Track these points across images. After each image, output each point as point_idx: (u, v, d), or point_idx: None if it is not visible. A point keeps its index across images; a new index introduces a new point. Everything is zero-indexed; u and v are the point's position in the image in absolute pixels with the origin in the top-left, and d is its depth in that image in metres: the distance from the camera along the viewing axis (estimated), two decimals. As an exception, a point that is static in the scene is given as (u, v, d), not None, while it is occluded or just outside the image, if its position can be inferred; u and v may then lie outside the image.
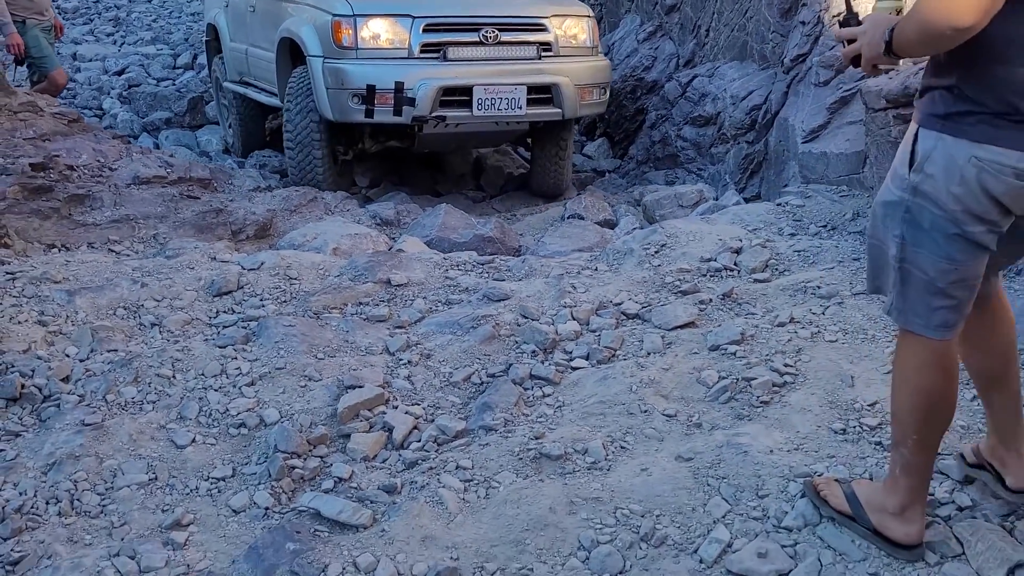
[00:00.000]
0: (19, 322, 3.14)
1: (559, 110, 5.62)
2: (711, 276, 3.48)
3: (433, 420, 2.64)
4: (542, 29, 5.68)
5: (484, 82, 5.37)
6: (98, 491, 2.37)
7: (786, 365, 2.75)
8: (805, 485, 2.14)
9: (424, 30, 5.39)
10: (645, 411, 2.59)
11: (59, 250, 4.09)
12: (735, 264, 3.54)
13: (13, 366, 2.86)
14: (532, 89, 5.50)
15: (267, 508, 2.31)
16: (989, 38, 1.60)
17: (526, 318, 3.18)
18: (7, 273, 3.49)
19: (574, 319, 3.16)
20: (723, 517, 2.13)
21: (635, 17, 7.91)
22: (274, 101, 6.25)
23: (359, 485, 2.37)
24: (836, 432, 2.43)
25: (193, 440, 2.57)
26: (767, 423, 2.49)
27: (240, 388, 2.81)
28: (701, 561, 2.01)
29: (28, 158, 4.51)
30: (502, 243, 4.63)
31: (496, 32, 5.50)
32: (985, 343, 1.98)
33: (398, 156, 6.40)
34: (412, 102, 5.24)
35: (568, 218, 5.27)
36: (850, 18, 1.87)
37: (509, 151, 7.22)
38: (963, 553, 1.94)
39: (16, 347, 2.98)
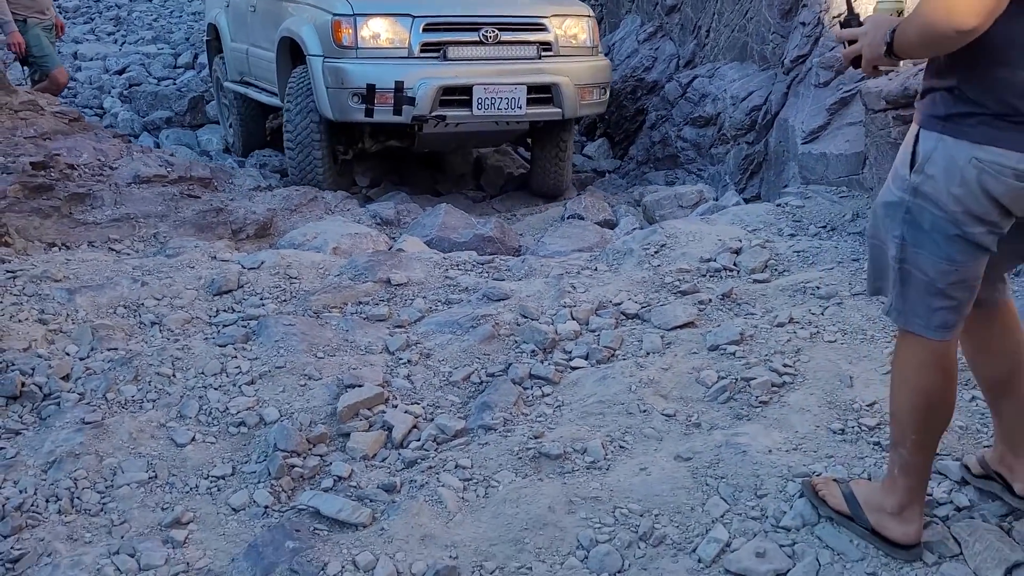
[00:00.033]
0: (20, 320, 3.14)
1: (559, 110, 5.63)
2: (711, 276, 3.48)
3: (432, 419, 2.65)
4: (542, 29, 5.68)
5: (484, 82, 5.37)
6: (98, 489, 2.38)
7: (785, 365, 2.76)
8: (803, 485, 2.15)
9: (424, 29, 5.40)
10: (644, 411, 2.59)
11: (59, 249, 4.09)
12: (735, 264, 3.55)
13: (13, 364, 2.87)
14: (532, 89, 5.50)
15: (267, 506, 2.31)
16: (991, 40, 1.60)
17: (526, 318, 3.19)
18: (8, 271, 3.49)
19: (574, 319, 3.16)
20: (721, 517, 2.13)
21: (635, 18, 7.91)
22: (275, 101, 6.26)
23: (358, 484, 2.38)
24: (835, 432, 2.43)
25: (193, 438, 2.58)
26: (766, 423, 2.49)
27: (240, 387, 2.81)
28: (699, 560, 2.01)
29: (29, 157, 4.52)
30: (502, 243, 4.64)
31: (496, 32, 5.50)
32: (994, 349, 1.98)
33: (398, 156, 6.40)
34: (412, 101, 5.24)
35: (568, 218, 5.28)
36: (851, 19, 1.88)
37: (509, 151, 7.23)
38: (961, 553, 1.94)
39: (16, 345, 2.99)
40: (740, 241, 3.71)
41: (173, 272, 3.61)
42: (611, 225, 5.20)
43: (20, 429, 2.64)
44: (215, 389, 2.81)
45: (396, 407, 2.70)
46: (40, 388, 2.79)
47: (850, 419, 2.48)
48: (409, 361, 2.97)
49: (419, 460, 2.46)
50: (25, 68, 6.61)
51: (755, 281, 3.40)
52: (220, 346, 3.04)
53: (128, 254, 4.14)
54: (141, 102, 8.36)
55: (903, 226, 1.77)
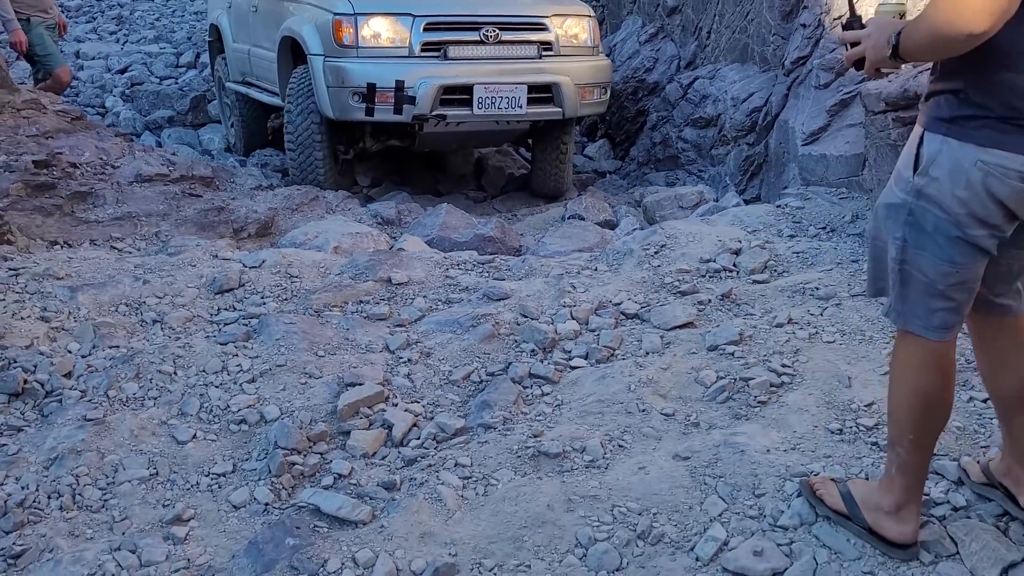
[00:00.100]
0: (22, 318, 3.16)
1: (559, 109, 5.64)
2: (710, 277, 3.49)
3: (432, 418, 2.66)
4: (543, 28, 5.69)
5: (484, 81, 5.38)
6: (99, 486, 2.39)
7: (784, 366, 2.77)
8: (801, 484, 2.16)
9: (425, 29, 5.41)
10: (643, 410, 2.61)
11: (62, 247, 4.10)
12: (734, 265, 3.56)
13: (16, 361, 2.88)
14: (532, 88, 5.51)
15: (267, 504, 2.32)
16: (997, 44, 1.60)
17: (526, 317, 3.20)
18: (10, 269, 3.51)
19: (573, 319, 3.17)
20: (720, 516, 2.14)
21: (637, 19, 7.92)
22: (276, 101, 6.27)
23: (358, 482, 2.39)
24: (833, 432, 2.44)
25: (194, 436, 2.59)
26: (764, 423, 2.50)
27: (241, 385, 2.83)
28: (697, 559, 2.02)
29: (31, 155, 4.53)
30: (502, 243, 4.65)
31: (497, 31, 5.51)
32: (1011, 364, 1.95)
33: (399, 156, 6.41)
34: (412, 100, 5.25)
35: (568, 218, 5.29)
36: (853, 21, 1.88)
37: (510, 152, 7.24)
38: (957, 553, 1.95)
39: (19, 343, 3.00)
40: (740, 242, 3.72)
41: (174, 270, 3.62)
42: (611, 225, 5.21)
43: (22, 426, 2.65)
44: (216, 387, 2.82)
45: (396, 405, 2.71)
46: (42, 385, 2.80)
47: (848, 419, 2.49)
48: (409, 360, 2.98)
49: (419, 458, 2.47)
50: (24, 66, 6.62)
51: (754, 282, 3.41)
52: (221, 344, 3.05)
53: (130, 252, 4.15)
54: (143, 101, 8.38)
55: (905, 228, 1.78)
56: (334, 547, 2.09)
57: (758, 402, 2.62)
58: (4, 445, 2.55)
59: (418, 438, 2.56)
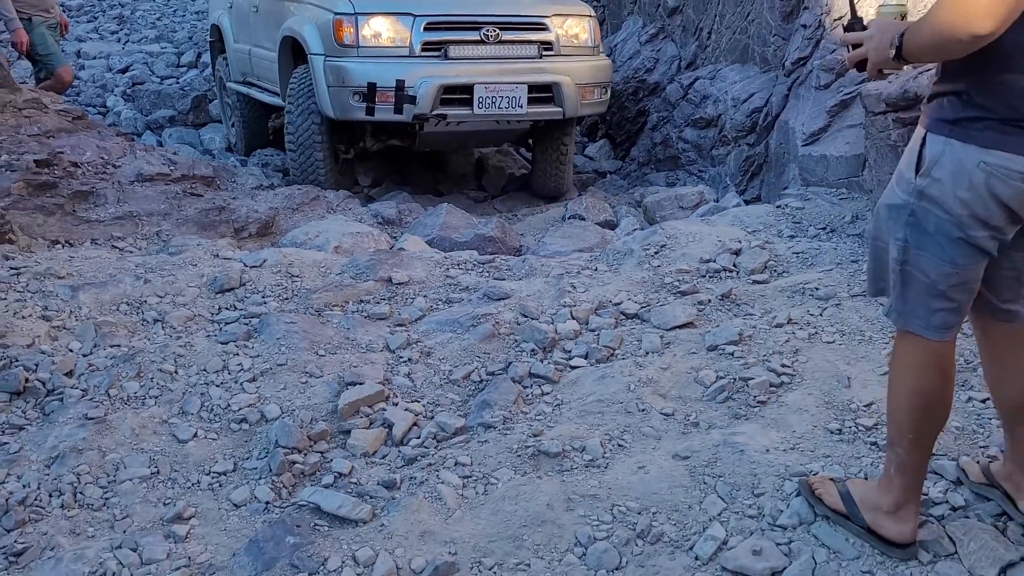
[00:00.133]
0: (23, 317, 3.16)
1: (560, 109, 5.64)
2: (710, 277, 3.50)
3: (433, 417, 2.66)
4: (543, 28, 5.69)
5: (485, 80, 5.39)
6: (100, 484, 2.39)
7: (783, 366, 2.77)
8: (800, 484, 2.16)
9: (425, 28, 5.41)
10: (643, 410, 2.61)
11: (63, 246, 4.11)
12: (734, 265, 3.57)
13: (17, 360, 2.89)
14: (533, 88, 5.52)
15: (268, 502, 2.33)
16: (1001, 45, 1.61)
17: (526, 317, 3.21)
18: (12, 268, 3.51)
19: (573, 318, 3.18)
20: (719, 515, 2.14)
21: (637, 19, 7.93)
22: (277, 101, 6.28)
23: (359, 480, 2.39)
24: (832, 432, 2.45)
25: (195, 435, 2.59)
26: (764, 423, 2.51)
27: (242, 384, 2.83)
28: (696, 558, 2.03)
29: (33, 154, 4.54)
30: (503, 243, 4.66)
31: (497, 31, 5.51)
32: (1017, 368, 1.95)
33: (400, 156, 6.42)
34: (413, 100, 5.26)
35: (569, 218, 5.29)
36: (855, 22, 1.89)
37: (511, 152, 7.24)
38: (956, 552, 1.96)
39: (20, 341, 3.01)
40: (740, 242, 3.73)
41: (176, 270, 3.63)
42: (612, 226, 5.21)
43: (24, 424, 2.66)
44: (217, 386, 2.83)
45: (396, 405, 2.72)
46: (43, 384, 2.81)
47: (847, 419, 2.50)
48: (410, 359, 2.99)
49: (419, 457, 2.48)
50: (25, 65, 6.62)
51: (754, 282, 3.42)
52: (222, 343, 3.06)
53: (131, 252, 4.16)
54: (144, 101, 8.39)
55: (906, 228, 1.78)
56: (334, 545, 2.10)
57: (757, 402, 2.62)
58: (6, 443, 2.56)
59: (418, 437, 2.57)
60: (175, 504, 2.32)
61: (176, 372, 2.89)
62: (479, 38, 5.49)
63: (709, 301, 3.27)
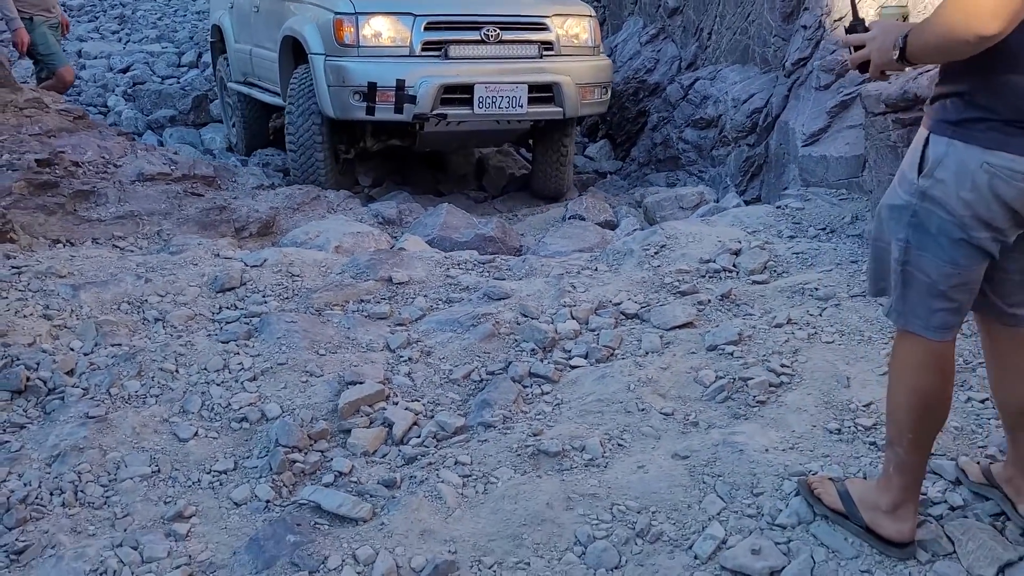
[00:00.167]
0: (24, 316, 3.17)
1: (560, 109, 5.64)
2: (710, 277, 3.50)
3: (433, 416, 2.67)
4: (543, 28, 5.70)
5: (485, 80, 5.39)
6: (101, 483, 2.40)
7: (783, 366, 2.78)
8: (799, 483, 2.17)
9: (425, 28, 5.42)
10: (643, 409, 2.62)
11: (64, 245, 4.12)
12: (734, 265, 3.57)
13: (18, 359, 2.89)
14: (533, 88, 5.52)
15: (268, 501, 2.33)
16: (1005, 46, 1.61)
17: (526, 317, 3.21)
18: (13, 267, 3.52)
19: (573, 318, 3.19)
20: (718, 514, 2.15)
21: (638, 19, 7.94)
22: (277, 101, 6.28)
23: (359, 479, 2.40)
24: (831, 432, 2.45)
25: (195, 434, 2.60)
26: (763, 422, 2.52)
27: (242, 383, 2.84)
28: (696, 557, 2.03)
29: (34, 154, 4.55)
30: (503, 243, 4.66)
31: (497, 31, 5.52)
32: (1021, 372, 1.95)
33: (400, 156, 6.43)
34: (413, 100, 5.26)
35: (569, 219, 5.30)
36: (856, 24, 1.89)
37: (511, 152, 7.25)
38: (954, 552, 1.96)
39: (22, 340, 3.01)
40: (740, 242, 3.73)
41: (176, 269, 3.63)
42: (612, 226, 5.22)
43: (25, 423, 2.66)
44: (217, 385, 2.83)
45: (397, 404, 2.73)
46: (44, 383, 2.81)
47: (846, 419, 2.51)
48: (410, 359, 2.99)
49: (419, 456, 2.49)
50: (26, 64, 6.63)
51: (754, 282, 3.43)
52: (223, 342, 3.06)
53: (132, 251, 4.16)
54: (145, 100, 8.39)
55: (908, 229, 1.79)
56: (335, 544, 2.11)
57: (757, 402, 2.63)
58: (7, 442, 2.56)
59: (418, 436, 2.58)
60: (176, 503, 2.32)
61: (177, 371, 2.90)
62: (479, 38, 5.50)
63: (709, 301, 3.28)
